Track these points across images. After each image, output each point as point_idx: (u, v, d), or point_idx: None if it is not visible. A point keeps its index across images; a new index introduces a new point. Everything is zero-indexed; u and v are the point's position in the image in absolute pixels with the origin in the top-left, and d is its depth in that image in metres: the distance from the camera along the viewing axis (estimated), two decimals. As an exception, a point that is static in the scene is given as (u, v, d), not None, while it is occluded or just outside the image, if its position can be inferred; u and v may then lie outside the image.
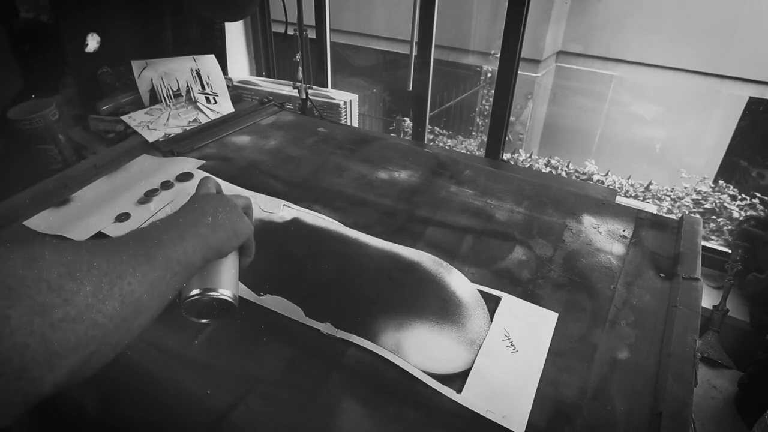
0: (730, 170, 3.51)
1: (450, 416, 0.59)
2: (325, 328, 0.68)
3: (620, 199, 1.63)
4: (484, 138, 2.60)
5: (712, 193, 2.40)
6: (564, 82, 4.24)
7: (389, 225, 0.90)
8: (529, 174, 1.91)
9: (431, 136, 3.69)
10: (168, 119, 1.29)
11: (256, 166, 1.07)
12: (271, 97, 1.51)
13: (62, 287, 0.34)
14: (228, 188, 0.98)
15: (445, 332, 0.69)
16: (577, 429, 0.57)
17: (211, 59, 1.47)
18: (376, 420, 0.58)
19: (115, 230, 0.85)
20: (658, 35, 3.53)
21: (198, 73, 1.42)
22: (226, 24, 1.76)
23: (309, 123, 1.32)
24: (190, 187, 0.97)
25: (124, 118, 1.28)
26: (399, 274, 0.78)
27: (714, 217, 2.20)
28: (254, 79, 1.85)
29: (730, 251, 1.65)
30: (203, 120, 1.32)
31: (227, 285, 0.55)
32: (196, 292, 0.53)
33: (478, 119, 4.45)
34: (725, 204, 2.24)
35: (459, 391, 0.61)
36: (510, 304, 0.74)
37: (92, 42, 1.08)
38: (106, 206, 0.92)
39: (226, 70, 1.72)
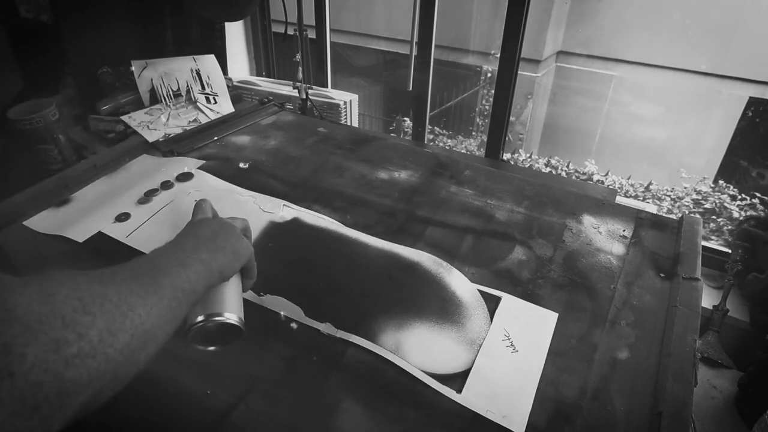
0: (730, 170, 3.51)
1: (450, 416, 0.59)
2: (325, 328, 0.68)
3: (620, 199, 1.63)
4: (484, 138, 2.60)
5: (712, 193, 2.40)
6: (564, 82, 4.24)
7: (389, 225, 0.90)
8: (529, 174, 1.91)
9: (431, 136, 3.69)
10: (168, 119, 1.29)
11: (256, 166, 1.07)
12: (271, 97, 1.51)
13: (77, 322, 0.34)
14: (228, 188, 0.98)
15: (445, 332, 0.69)
16: (577, 429, 0.57)
17: (211, 59, 1.47)
18: (376, 420, 0.58)
19: (115, 230, 0.85)
20: (658, 35, 3.53)
21: (198, 73, 1.42)
22: (226, 24, 1.76)
23: (309, 123, 1.32)
24: (191, 187, 0.97)
25: (124, 118, 1.28)
26: (399, 274, 0.78)
27: (714, 217, 2.20)
28: (254, 79, 1.85)
29: (730, 251, 1.65)
30: (203, 120, 1.32)
31: (231, 308, 0.54)
32: (200, 318, 0.52)
33: (478, 119, 4.45)
34: (725, 204, 2.24)
35: (459, 391, 0.61)
36: (510, 304, 0.73)
37: None
38: (106, 206, 0.92)
39: (226, 70, 1.72)
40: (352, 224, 0.89)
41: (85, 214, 0.89)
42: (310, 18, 1.74)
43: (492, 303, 0.74)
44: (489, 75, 4.31)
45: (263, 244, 0.83)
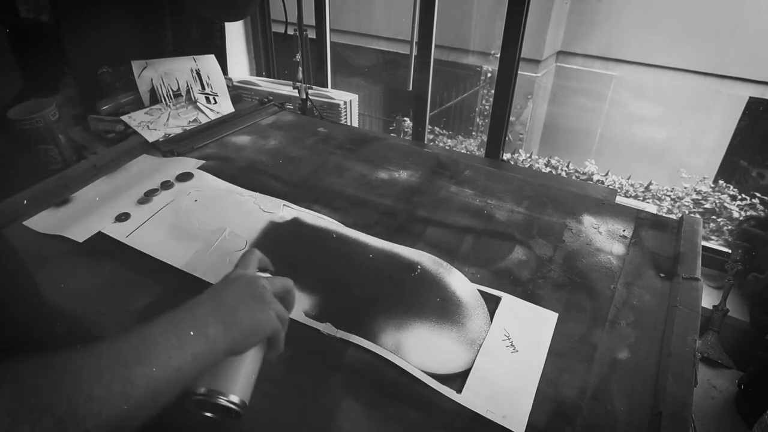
0: (730, 170, 3.51)
1: (450, 416, 0.59)
2: (325, 328, 0.68)
3: (620, 199, 1.63)
4: (484, 138, 2.60)
5: (712, 193, 2.40)
6: (564, 82, 4.24)
7: (389, 225, 0.90)
8: (529, 174, 1.91)
9: (431, 136, 3.69)
10: (168, 119, 1.29)
11: (256, 166, 1.07)
12: (271, 97, 1.51)
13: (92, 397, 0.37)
14: (228, 188, 0.98)
15: (445, 332, 0.69)
16: (577, 429, 0.57)
17: (211, 59, 1.47)
18: (376, 420, 0.58)
19: (115, 230, 0.85)
20: (658, 35, 3.53)
21: (198, 73, 1.42)
22: (226, 24, 1.76)
23: (309, 123, 1.32)
24: (191, 187, 0.97)
25: (124, 118, 1.28)
26: (399, 274, 0.78)
27: (714, 217, 2.20)
28: (254, 79, 1.85)
29: (730, 251, 1.65)
30: (203, 120, 1.32)
31: (236, 388, 0.50)
32: (202, 391, 0.49)
33: (478, 119, 4.45)
34: (725, 204, 2.24)
35: (459, 391, 0.61)
36: (510, 304, 0.73)
37: None
38: (106, 206, 0.92)
39: (226, 70, 1.72)
40: (352, 224, 0.89)
41: (85, 214, 0.90)
42: (310, 18, 1.74)
43: (492, 303, 0.73)
44: (489, 75, 4.31)
45: (263, 244, 0.83)
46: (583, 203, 0.97)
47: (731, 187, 2.42)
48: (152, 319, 0.46)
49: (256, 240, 0.83)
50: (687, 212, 2.28)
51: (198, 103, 1.37)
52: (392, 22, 4.07)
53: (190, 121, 1.31)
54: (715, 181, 2.63)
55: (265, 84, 1.78)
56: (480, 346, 0.67)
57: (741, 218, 1.99)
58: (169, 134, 1.21)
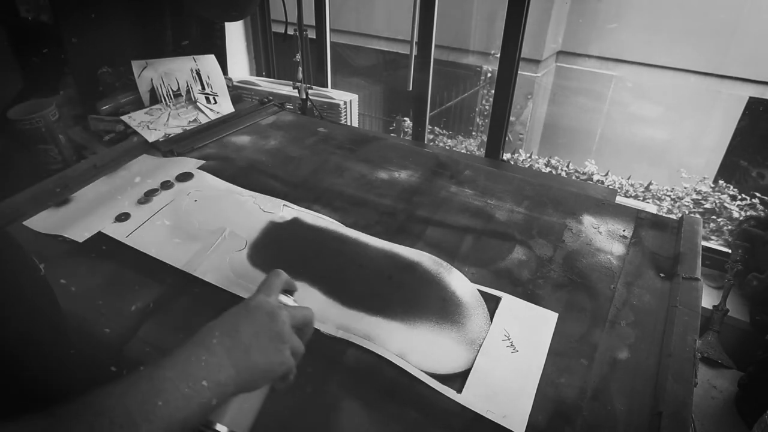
0: (730, 170, 3.51)
1: (450, 416, 0.59)
2: (325, 328, 0.68)
3: (620, 199, 1.63)
4: (484, 138, 2.60)
5: (712, 193, 2.40)
6: (564, 82, 4.24)
7: (389, 225, 0.90)
8: (529, 174, 1.91)
9: (431, 136, 3.69)
10: (168, 119, 1.29)
11: (256, 166, 1.07)
12: (271, 97, 1.51)
13: None
14: (228, 188, 0.98)
15: (445, 332, 0.69)
16: (577, 429, 0.57)
17: (211, 59, 1.47)
18: (376, 420, 0.58)
19: (115, 230, 0.85)
20: (658, 35, 3.53)
21: (198, 73, 1.42)
22: (226, 24, 1.76)
23: (309, 123, 1.32)
24: (191, 187, 0.97)
25: (124, 118, 1.28)
26: (399, 274, 0.78)
27: (714, 217, 2.20)
28: (254, 79, 1.85)
29: (730, 251, 1.65)
30: (203, 120, 1.32)
31: (239, 423, 0.48)
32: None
33: (478, 119, 4.45)
34: (725, 204, 2.24)
35: (459, 391, 0.61)
36: (510, 304, 0.73)
37: None
38: (106, 206, 0.92)
39: (226, 70, 1.72)
40: (352, 224, 0.89)
41: (85, 214, 0.90)
42: (310, 18, 1.74)
43: (492, 303, 0.73)
44: (489, 75, 4.31)
45: (263, 244, 0.83)
46: (583, 203, 0.97)
47: (731, 187, 2.42)
48: (164, 358, 0.44)
49: (256, 240, 0.83)
50: (687, 212, 2.28)
51: (198, 103, 1.37)
52: (392, 22, 4.07)
53: (190, 121, 1.31)
54: (715, 181, 2.63)
55: (265, 84, 1.78)
56: (480, 346, 0.67)
57: (741, 218, 1.99)
58: (169, 134, 1.21)
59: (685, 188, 2.54)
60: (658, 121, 3.90)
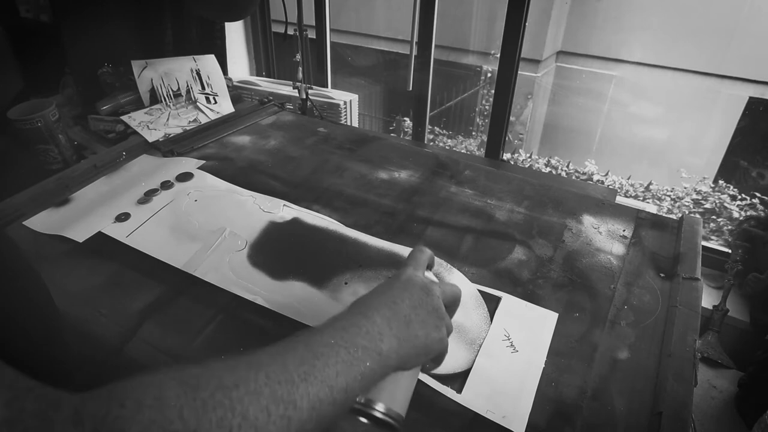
0: (730, 170, 3.51)
1: (450, 416, 0.59)
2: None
3: (620, 199, 1.63)
4: (484, 138, 2.60)
5: (712, 193, 2.40)
6: (564, 82, 4.24)
7: (389, 225, 0.90)
8: (529, 174, 1.91)
9: (431, 136, 3.69)
10: (168, 119, 1.29)
11: (256, 166, 1.07)
12: (271, 97, 1.51)
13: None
14: (228, 188, 0.98)
15: (445, 332, 0.69)
16: (577, 429, 0.57)
17: (211, 59, 1.47)
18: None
19: (115, 230, 0.85)
20: (658, 35, 3.53)
21: (198, 73, 1.42)
22: (226, 24, 1.76)
23: (309, 123, 1.32)
24: (191, 187, 0.97)
25: (124, 118, 1.28)
26: (399, 274, 0.78)
27: (714, 217, 2.20)
28: (254, 79, 1.85)
29: (730, 251, 1.65)
30: (203, 120, 1.32)
31: (396, 402, 0.45)
32: (360, 400, 0.44)
33: (478, 119, 4.45)
34: (725, 204, 2.24)
35: (459, 391, 0.61)
36: (510, 304, 0.73)
37: None
38: (106, 206, 0.92)
39: (226, 70, 1.72)
40: (352, 224, 0.89)
41: (85, 214, 0.90)
42: (310, 18, 1.74)
43: (492, 303, 0.73)
44: (489, 75, 4.31)
45: (263, 243, 0.83)
46: (583, 203, 0.97)
47: (731, 187, 2.43)
48: (317, 328, 0.41)
49: (256, 240, 0.83)
50: (687, 212, 2.28)
51: (198, 103, 1.37)
52: (392, 22, 4.07)
53: (190, 121, 1.31)
54: (715, 181, 2.63)
55: (265, 84, 1.78)
56: (480, 346, 0.67)
57: (741, 218, 1.99)
58: (169, 134, 1.21)
59: (685, 188, 2.54)
60: (658, 121, 3.90)
